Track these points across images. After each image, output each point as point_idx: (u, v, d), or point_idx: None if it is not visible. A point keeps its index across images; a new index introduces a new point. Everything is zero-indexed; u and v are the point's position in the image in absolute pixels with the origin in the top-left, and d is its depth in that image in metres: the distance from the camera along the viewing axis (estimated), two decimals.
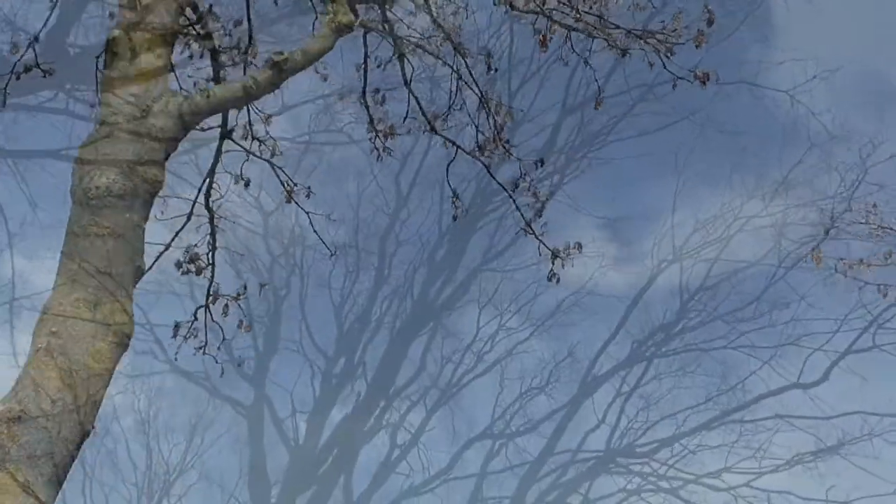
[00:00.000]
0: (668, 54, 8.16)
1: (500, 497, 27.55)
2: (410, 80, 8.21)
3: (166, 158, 5.92)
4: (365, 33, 8.76)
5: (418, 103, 8.30)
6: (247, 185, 8.95)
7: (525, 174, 9.36)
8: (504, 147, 9.15)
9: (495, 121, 9.12)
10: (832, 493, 25.34)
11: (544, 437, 27.79)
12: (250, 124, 8.82)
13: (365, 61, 8.94)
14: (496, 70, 9.64)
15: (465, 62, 8.89)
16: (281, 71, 6.31)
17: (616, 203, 30.23)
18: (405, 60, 8.24)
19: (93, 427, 4.91)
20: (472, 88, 9.00)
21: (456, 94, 9.15)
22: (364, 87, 9.05)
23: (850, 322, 25.23)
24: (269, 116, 9.42)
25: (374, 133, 9.31)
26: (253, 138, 8.95)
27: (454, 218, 9.00)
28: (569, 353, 28.09)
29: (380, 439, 27.46)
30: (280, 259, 27.40)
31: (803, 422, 26.28)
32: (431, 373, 27.52)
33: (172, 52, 6.21)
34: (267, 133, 8.75)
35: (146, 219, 5.77)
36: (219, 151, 7.50)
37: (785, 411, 26.51)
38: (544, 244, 8.81)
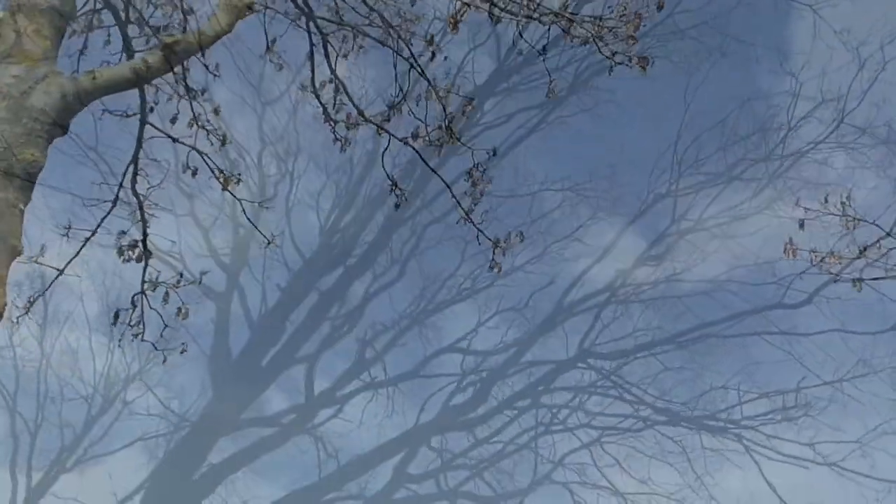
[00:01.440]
0: (598, 40, 7.96)
1: None
2: (335, 66, 8.14)
3: (50, 141, 5.97)
4: (307, 21, 8.76)
5: (345, 91, 8.24)
6: (194, 174, 8.98)
7: (477, 164, 9.24)
8: (453, 135, 9.03)
9: (444, 108, 9.01)
10: None
11: None
12: (195, 116, 8.93)
13: (311, 49, 8.92)
14: (445, 58, 9.54)
15: (408, 46, 8.81)
16: (173, 53, 6.32)
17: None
18: (328, 46, 8.17)
19: None
20: (421, 73, 8.91)
21: (410, 82, 9.09)
22: (312, 77, 9.03)
23: None
24: (218, 106, 9.50)
25: (330, 124, 9.29)
26: (199, 127, 9.03)
27: (396, 206, 8.90)
28: None
29: None
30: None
31: None
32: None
33: (63, 34, 6.26)
34: (205, 122, 8.81)
35: (26, 200, 5.82)
36: (140, 137, 7.56)
37: None
38: (484, 234, 8.67)
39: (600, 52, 8.10)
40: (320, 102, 9.14)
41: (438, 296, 27.34)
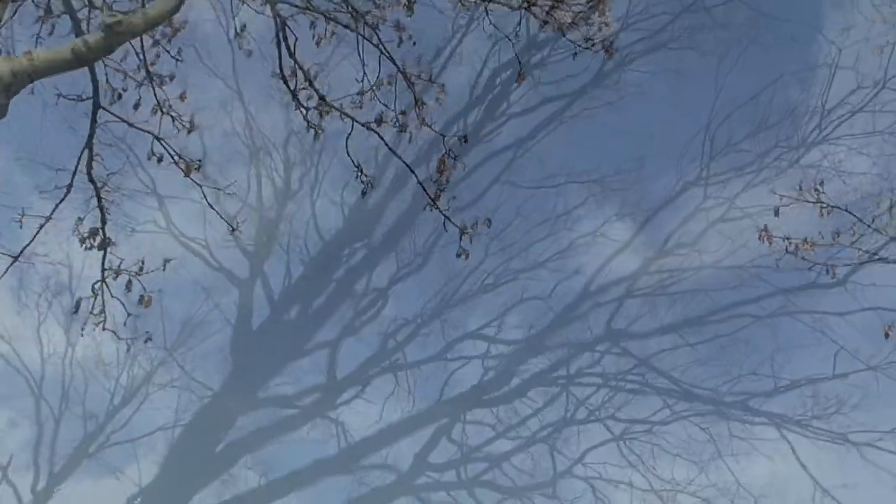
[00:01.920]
0: (562, 29, 7.85)
1: None
2: (294, 51, 8.02)
3: None
4: (273, 4, 8.65)
5: (305, 75, 8.12)
6: (159, 160, 8.89)
7: (449, 150, 9.13)
8: (424, 122, 8.92)
9: (414, 94, 8.90)
10: None
11: None
12: (159, 103, 8.85)
13: (277, 35, 8.81)
14: (414, 43, 9.42)
15: (376, 32, 8.70)
16: (115, 34, 6.23)
17: None
18: (287, 29, 8.04)
19: None
20: (389, 58, 8.80)
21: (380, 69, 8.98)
22: (280, 63, 8.92)
23: None
24: (184, 92, 9.41)
25: (301, 111, 9.18)
26: (163, 113, 8.95)
27: (363, 193, 8.78)
28: None
29: None
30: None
31: None
32: None
33: (4, 12, 6.18)
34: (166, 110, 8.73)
35: None
36: (93, 122, 7.46)
37: None
38: (450, 220, 8.54)
39: (565, 36, 7.94)
40: (289, 89, 9.02)
41: (461, 290, 27.01)
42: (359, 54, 8.68)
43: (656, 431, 26.08)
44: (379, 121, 8.37)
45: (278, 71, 8.95)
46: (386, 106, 8.61)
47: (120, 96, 9.24)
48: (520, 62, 9.11)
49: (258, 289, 26.60)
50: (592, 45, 7.93)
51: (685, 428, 26.03)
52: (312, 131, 9.01)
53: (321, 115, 9.21)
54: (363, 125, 8.31)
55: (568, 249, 26.79)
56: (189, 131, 9.14)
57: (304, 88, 8.54)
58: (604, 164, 27.13)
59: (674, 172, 26.20)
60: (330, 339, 26.41)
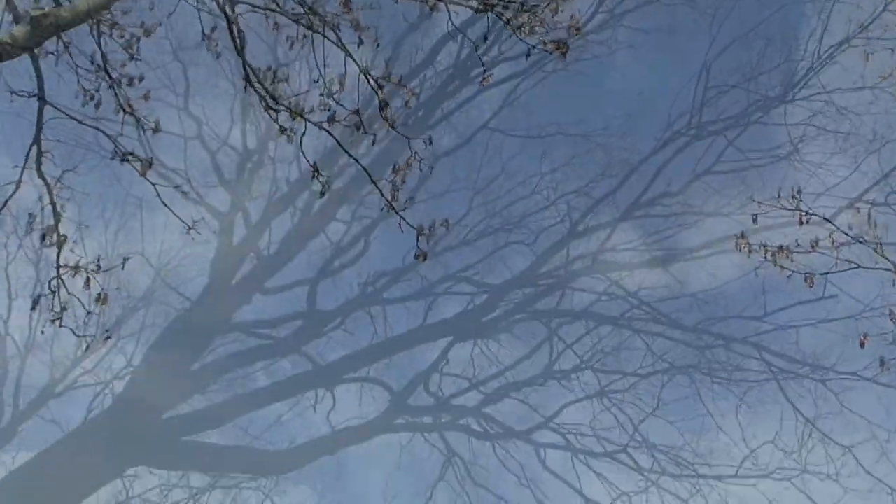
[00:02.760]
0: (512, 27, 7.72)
1: None
2: (243, 47, 7.95)
3: None
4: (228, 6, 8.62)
5: (254, 72, 8.04)
6: (122, 160, 8.88)
7: (414, 153, 9.03)
8: (389, 122, 8.82)
9: (379, 96, 8.80)
10: None
11: None
12: (120, 103, 8.86)
13: (237, 35, 8.77)
14: (378, 45, 9.35)
15: (335, 31, 8.63)
16: (42, 27, 6.22)
17: None
18: (237, 23, 7.97)
19: None
20: (350, 56, 8.72)
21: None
22: (244, 65, 8.88)
23: None
24: (149, 92, 9.43)
25: (270, 113, 9.13)
26: (126, 112, 8.96)
27: (321, 194, 8.69)
28: None
29: None
30: None
31: None
32: None
33: None
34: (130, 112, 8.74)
35: None
36: (40, 117, 7.48)
37: None
38: (407, 222, 8.43)
39: (515, 35, 7.79)
40: (255, 91, 8.95)
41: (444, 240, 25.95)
42: (315, 59, 8.59)
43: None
44: (331, 119, 8.27)
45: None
46: (339, 104, 8.51)
47: (93, 97, 9.30)
48: (482, 64, 8.93)
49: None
50: (545, 45, 7.77)
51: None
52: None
53: (292, 118, 9.15)
54: (315, 124, 8.23)
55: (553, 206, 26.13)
56: (154, 131, 9.15)
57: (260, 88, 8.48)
58: (592, 120, 27.00)
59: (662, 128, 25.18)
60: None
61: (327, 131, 8.23)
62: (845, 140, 22.57)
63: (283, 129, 9.22)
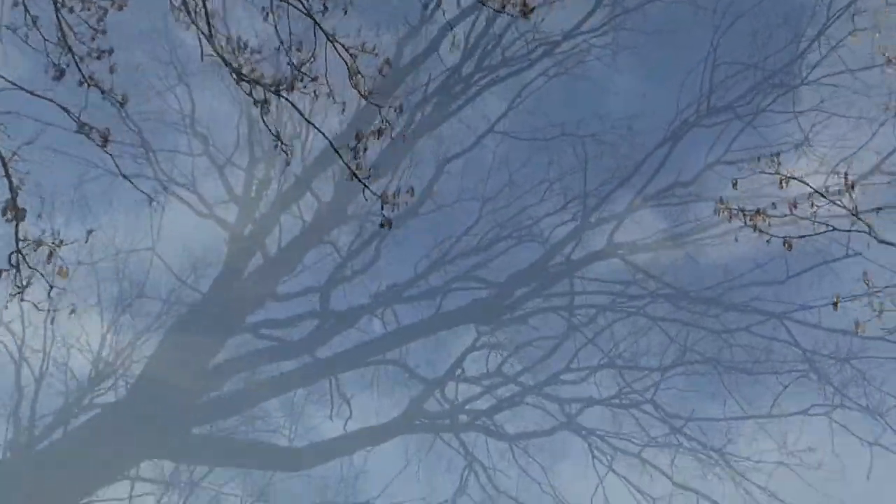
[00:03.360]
0: None
1: None
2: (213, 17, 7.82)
3: None
4: None
5: (209, 40, 7.91)
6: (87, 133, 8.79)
7: (384, 120, 8.90)
8: (360, 92, 8.69)
9: (347, 64, 8.67)
10: None
11: None
12: (84, 77, 8.79)
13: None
14: (345, 11, 9.23)
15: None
16: None
17: None
18: None
19: None
20: (318, 25, 8.58)
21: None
22: (209, 33, 8.77)
23: None
24: (113, 65, 9.34)
25: (244, 86, 9.02)
26: (89, 85, 8.90)
27: (287, 163, 8.59)
28: None
29: None
30: None
31: None
32: None
33: None
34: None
35: None
36: None
37: None
38: (370, 189, 8.30)
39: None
40: (226, 63, 8.81)
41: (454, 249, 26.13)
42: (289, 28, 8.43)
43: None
44: (290, 87, 8.14)
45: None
46: (298, 69, 8.37)
47: (63, 72, 9.24)
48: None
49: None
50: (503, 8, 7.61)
51: None
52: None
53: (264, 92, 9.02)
54: (273, 92, 8.10)
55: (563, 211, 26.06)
56: (122, 105, 9.08)
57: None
58: (597, 122, 25.69)
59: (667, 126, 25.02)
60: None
61: (285, 98, 8.10)
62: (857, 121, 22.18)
63: (256, 102, 9.12)
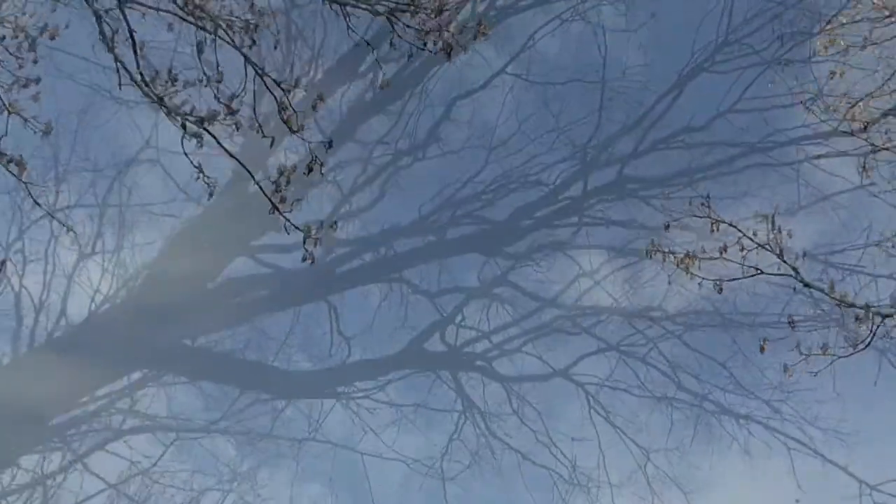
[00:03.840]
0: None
1: None
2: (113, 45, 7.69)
3: None
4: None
5: (121, 64, 7.76)
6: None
7: (315, 158, 8.78)
8: (289, 126, 8.57)
9: (276, 99, 8.56)
10: None
11: None
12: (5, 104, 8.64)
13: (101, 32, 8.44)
14: (276, 46, 9.13)
15: (226, 31, 8.38)
16: None
17: None
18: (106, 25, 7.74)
19: None
20: (246, 59, 8.48)
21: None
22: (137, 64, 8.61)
23: None
24: (37, 93, 9.20)
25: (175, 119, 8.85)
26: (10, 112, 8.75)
27: (209, 196, 8.42)
28: None
29: None
30: None
31: None
32: None
33: None
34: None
35: None
36: None
37: None
38: (293, 224, 8.17)
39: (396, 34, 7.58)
40: (145, 93, 8.61)
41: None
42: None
43: None
44: (211, 118, 8.00)
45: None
46: (218, 100, 8.23)
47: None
48: (380, 65, 8.71)
49: None
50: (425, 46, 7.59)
51: None
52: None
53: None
54: (193, 122, 7.96)
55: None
56: (45, 133, 8.93)
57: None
58: (608, 69, 25.04)
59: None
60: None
61: (208, 131, 7.96)
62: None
63: (192, 135, 8.95)
